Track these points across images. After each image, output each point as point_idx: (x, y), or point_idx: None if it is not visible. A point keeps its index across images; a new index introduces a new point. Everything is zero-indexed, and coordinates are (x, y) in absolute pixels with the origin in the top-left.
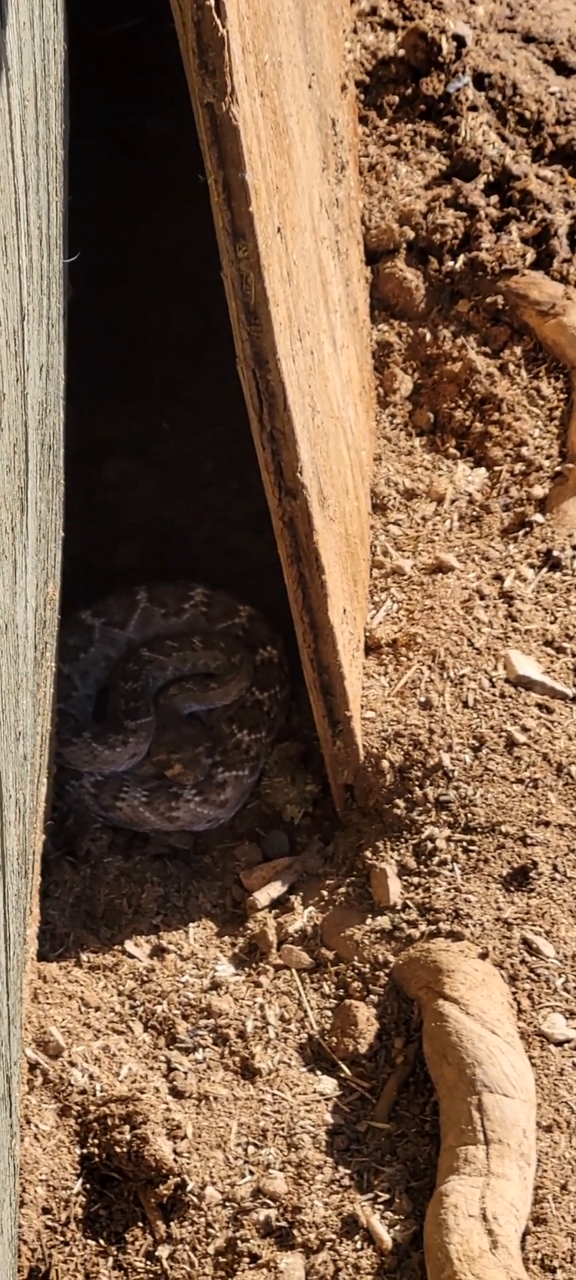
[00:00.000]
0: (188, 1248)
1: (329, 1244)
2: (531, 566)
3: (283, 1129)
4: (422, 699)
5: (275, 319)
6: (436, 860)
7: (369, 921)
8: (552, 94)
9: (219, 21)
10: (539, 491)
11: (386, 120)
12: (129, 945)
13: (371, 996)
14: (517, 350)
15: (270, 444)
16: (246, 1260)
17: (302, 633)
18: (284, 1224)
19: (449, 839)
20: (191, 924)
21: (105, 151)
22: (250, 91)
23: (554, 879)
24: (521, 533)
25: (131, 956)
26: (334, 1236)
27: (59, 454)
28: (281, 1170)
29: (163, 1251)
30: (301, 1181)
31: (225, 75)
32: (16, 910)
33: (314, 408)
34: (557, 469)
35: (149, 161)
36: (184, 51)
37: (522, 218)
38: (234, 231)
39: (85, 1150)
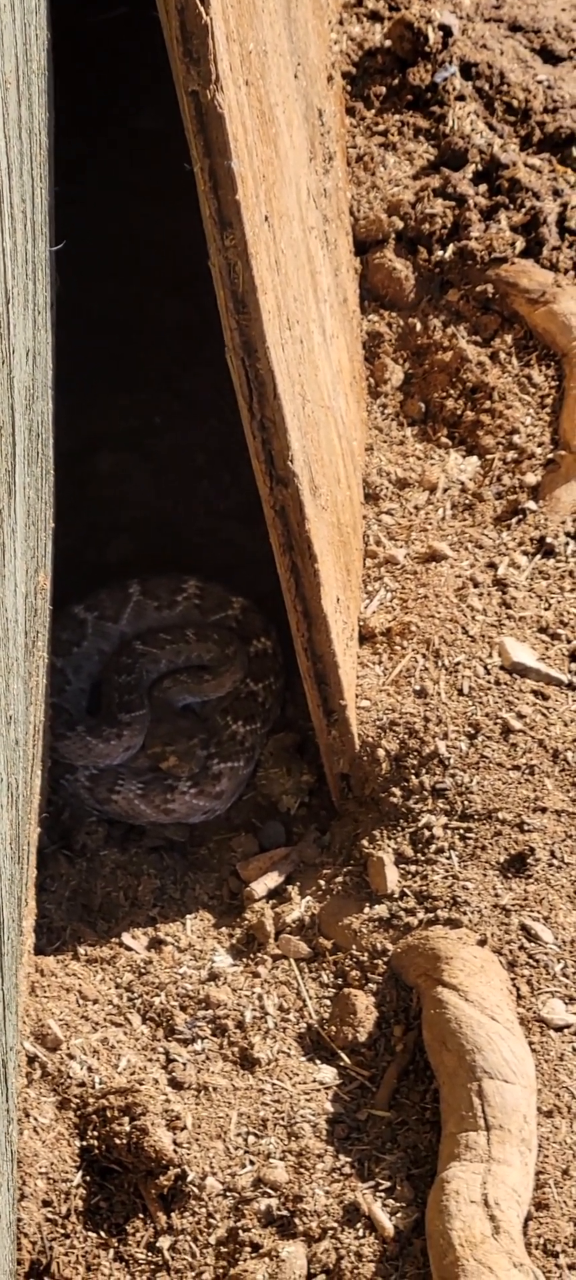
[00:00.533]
0: (189, 1238)
1: (330, 1232)
2: (525, 554)
3: (283, 1118)
4: (417, 687)
5: (263, 307)
6: (433, 848)
7: (366, 910)
8: (540, 82)
9: (202, 9)
10: (531, 479)
11: (373, 111)
12: (126, 938)
13: (370, 985)
14: (508, 338)
15: (260, 432)
16: (248, 1250)
17: (296, 622)
18: (285, 1213)
19: (446, 826)
20: (188, 916)
21: (97, 144)
22: (235, 80)
23: (551, 864)
24: (514, 520)
25: (129, 949)
26: (335, 1225)
27: (48, 443)
28: (282, 1159)
29: (164, 1242)
30: (302, 1170)
31: (209, 63)
32: (10, 895)
33: (304, 397)
34: (550, 456)
35: (141, 155)
36: (168, 40)
37: (511, 206)
38: (221, 220)
39: (85, 1142)
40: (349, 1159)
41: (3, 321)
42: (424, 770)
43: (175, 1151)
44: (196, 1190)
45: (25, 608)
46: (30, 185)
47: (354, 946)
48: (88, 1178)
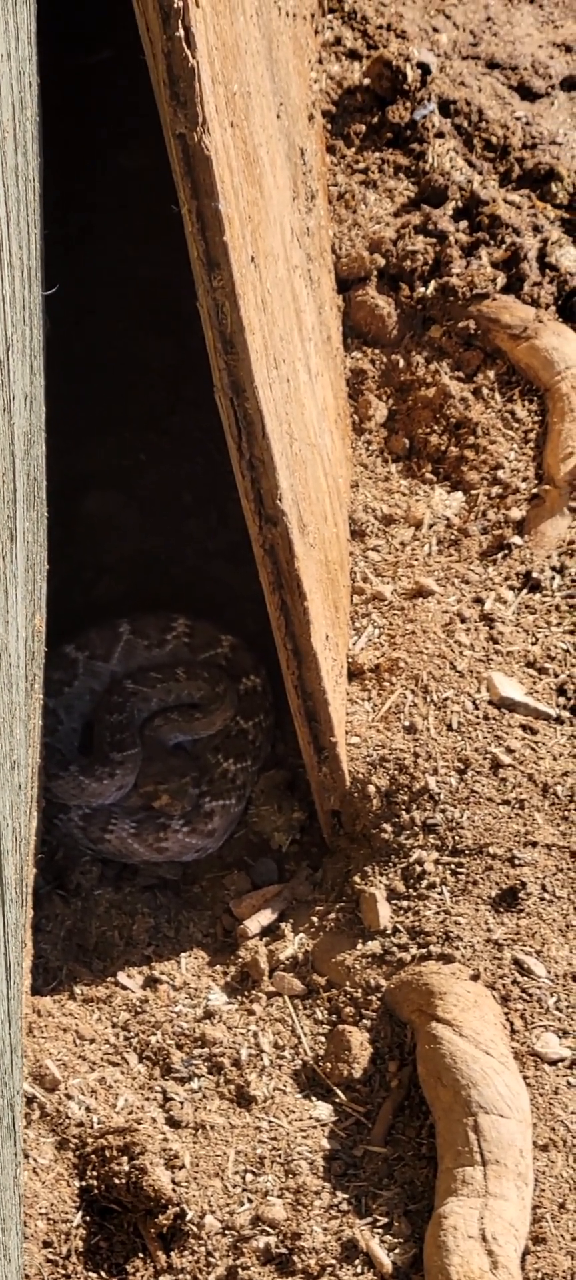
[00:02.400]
0: (188, 1277)
1: (329, 1269)
2: (511, 588)
3: (280, 1156)
4: (407, 723)
5: (251, 347)
6: (425, 883)
7: (359, 946)
8: (518, 119)
9: (189, 52)
10: (516, 514)
11: (354, 149)
12: (121, 977)
13: (364, 1021)
14: (491, 374)
15: (249, 472)
16: None
17: (286, 660)
18: (284, 1251)
19: (437, 862)
20: (183, 954)
21: (81, 186)
22: (221, 122)
23: (543, 899)
24: (500, 555)
25: (124, 988)
26: (334, 1262)
27: (43, 486)
28: (280, 1197)
29: None
30: (300, 1208)
31: (196, 106)
32: (16, 939)
33: (292, 435)
34: (534, 491)
35: (124, 195)
36: (155, 83)
37: (492, 242)
38: (208, 261)
39: (84, 1182)
40: (346, 1195)
41: (4, 368)
42: (414, 806)
43: (174, 1190)
44: (195, 1229)
45: (25, 652)
46: (26, 231)
47: (347, 983)
48: (87, 1218)
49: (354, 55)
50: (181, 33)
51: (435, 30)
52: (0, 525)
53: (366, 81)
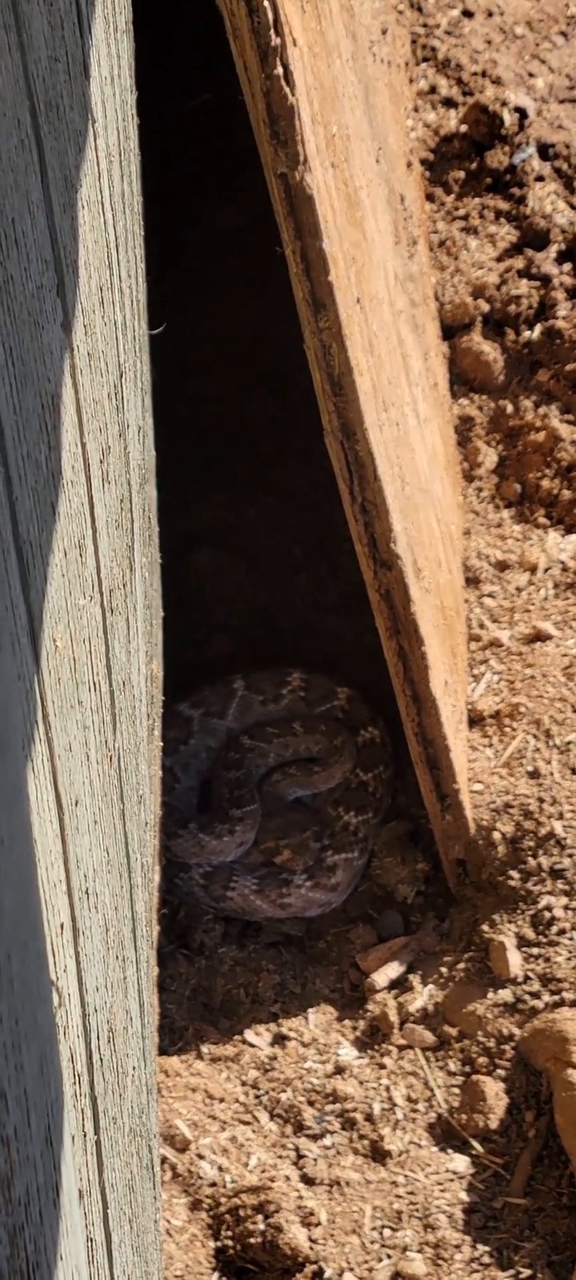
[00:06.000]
0: None
1: None
2: None
3: (417, 1210)
4: (530, 768)
5: (360, 388)
6: (555, 929)
7: (490, 995)
8: None
9: (288, 90)
10: None
11: (453, 196)
12: (249, 1035)
13: (498, 1071)
14: None
15: (362, 516)
16: None
17: (405, 706)
18: None
19: (566, 907)
20: (311, 1010)
21: (178, 242)
22: (322, 162)
23: None
24: None
25: (252, 1046)
26: None
27: (155, 531)
28: (419, 1252)
29: None
30: (440, 1262)
31: (297, 144)
32: (148, 978)
33: (403, 479)
34: None
35: (218, 253)
36: (254, 124)
37: None
38: (314, 302)
39: (219, 1243)
40: (487, 1248)
41: (118, 393)
42: (541, 851)
43: (311, 1248)
44: None
45: (146, 691)
46: (134, 263)
47: (480, 1033)
48: (224, 1278)
49: (449, 103)
50: (280, 70)
51: (531, 75)
52: (120, 553)
53: (463, 128)
